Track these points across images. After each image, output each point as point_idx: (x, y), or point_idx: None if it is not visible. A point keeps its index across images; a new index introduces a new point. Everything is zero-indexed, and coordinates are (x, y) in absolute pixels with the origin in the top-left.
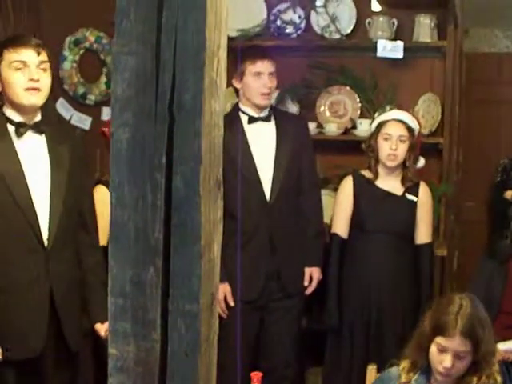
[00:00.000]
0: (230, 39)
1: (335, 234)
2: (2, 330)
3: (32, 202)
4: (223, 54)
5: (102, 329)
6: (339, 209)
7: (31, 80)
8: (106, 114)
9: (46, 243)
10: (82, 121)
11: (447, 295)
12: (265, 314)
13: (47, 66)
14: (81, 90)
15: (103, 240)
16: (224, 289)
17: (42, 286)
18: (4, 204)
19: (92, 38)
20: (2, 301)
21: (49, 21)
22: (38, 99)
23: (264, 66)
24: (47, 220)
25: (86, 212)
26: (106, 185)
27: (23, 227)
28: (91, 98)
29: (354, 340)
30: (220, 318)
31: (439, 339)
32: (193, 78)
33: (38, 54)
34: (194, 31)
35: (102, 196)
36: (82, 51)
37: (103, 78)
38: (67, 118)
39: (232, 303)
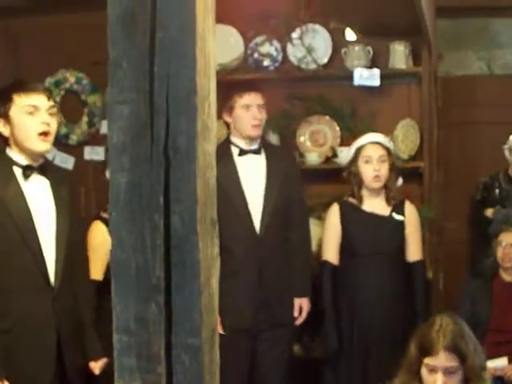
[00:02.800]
0: None
1: (326, 262)
2: (9, 370)
3: (39, 243)
4: (213, 97)
5: (96, 367)
6: (328, 237)
7: (43, 124)
8: (88, 153)
9: (52, 282)
10: (65, 161)
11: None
12: (256, 343)
13: (55, 110)
14: (63, 131)
15: (98, 275)
16: None
17: (49, 325)
18: (13, 245)
19: (72, 79)
20: (8, 341)
21: (28, 61)
22: (48, 145)
23: (251, 99)
24: (53, 260)
25: (79, 249)
26: (103, 221)
27: (31, 267)
28: (73, 138)
29: (351, 366)
30: None
31: (427, 360)
32: (186, 122)
33: (48, 98)
34: (185, 78)
35: (99, 232)
36: (62, 92)
37: (85, 118)
38: (50, 158)
39: (221, 331)
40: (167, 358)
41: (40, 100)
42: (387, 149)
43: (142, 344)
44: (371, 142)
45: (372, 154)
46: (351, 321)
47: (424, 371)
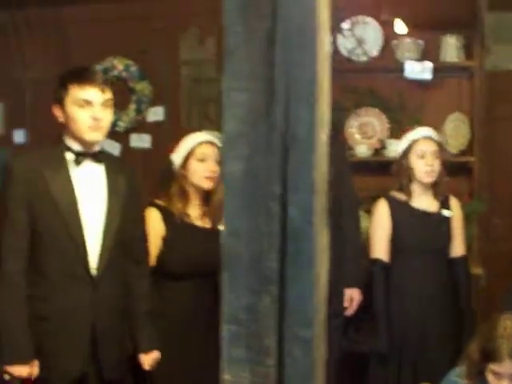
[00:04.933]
0: None
1: (377, 260)
2: (41, 356)
3: (82, 231)
4: (328, 86)
5: (146, 360)
6: (377, 234)
7: (94, 119)
8: (134, 140)
9: (93, 272)
10: (112, 147)
11: (490, 318)
12: None
13: (110, 103)
14: None
15: (151, 261)
16: None
17: (84, 315)
18: (56, 232)
19: (120, 66)
20: (44, 327)
21: (76, 50)
22: (99, 136)
23: None
24: (98, 250)
25: (137, 242)
26: (158, 207)
27: (73, 256)
28: (120, 125)
29: (400, 363)
30: None
31: (492, 366)
32: (306, 111)
33: (103, 91)
34: (306, 66)
35: (151, 219)
36: (110, 79)
37: (132, 106)
38: None
39: None
40: (278, 351)
41: (93, 94)
42: (439, 144)
43: (253, 336)
44: (425, 137)
45: (426, 149)
46: (402, 320)
47: (490, 376)
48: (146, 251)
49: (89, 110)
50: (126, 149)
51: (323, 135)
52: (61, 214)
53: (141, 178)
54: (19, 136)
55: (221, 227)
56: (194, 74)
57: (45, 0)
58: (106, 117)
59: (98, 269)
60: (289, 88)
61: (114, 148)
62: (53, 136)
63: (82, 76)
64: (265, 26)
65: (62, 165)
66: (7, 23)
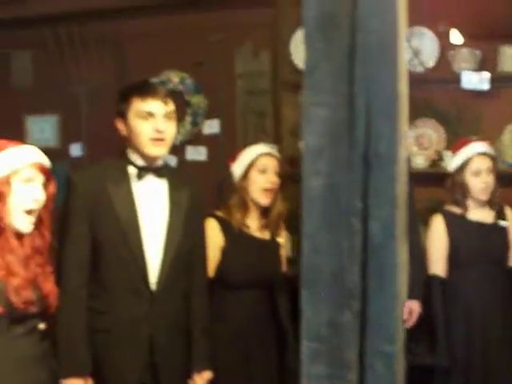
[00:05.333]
0: None
1: (434, 276)
2: (99, 365)
3: (142, 246)
4: (406, 102)
5: (198, 380)
6: (435, 249)
7: (157, 131)
8: (190, 153)
9: (153, 286)
10: (168, 160)
11: None
12: None
13: (173, 115)
14: None
15: (209, 271)
16: None
17: (142, 328)
18: (116, 245)
19: (176, 79)
20: (102, 339)
21: (132, 63)
22: (162, 150)
23: None
24: (159, 264)
25: (197, 257)
26: (217, 218)
27: (132, 270)
28: (177, 138)
29: (466, 376)
30: None
31: None
32: (387, 127)
33: (165, 103)
34: (387, 81)
35: (210, 229)
36: None
37: (188, 118)
38: None
39: None
40: (359, 365)
41: (155, 106)
42: (494, 158)
43: (334, 350)
44: (479, 153)
45: (481, 167)
46: (463, 333)
47: None
48: (205, 267)
49: (151, 123)
50: (182, 161)
51: (403, 150)
52: (122, 228)
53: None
54: (76, 149)
55: (279, 239)
56: (249, 86)
57: (101, 14)
58: (169, 129)
59: (158, 283)
60: (369, 103)
61: (170, 160)
62: (109, 149)
63: (144, 88)
64: (344, 42)
65: (125, 179)
66: (63, 37)
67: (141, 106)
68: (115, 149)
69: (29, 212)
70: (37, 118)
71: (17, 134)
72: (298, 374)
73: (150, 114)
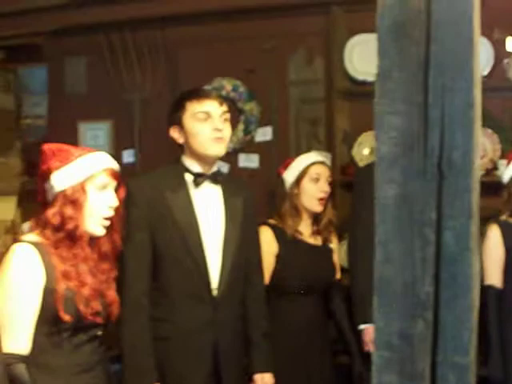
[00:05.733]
0: (368, 84)
1: (490, 286)
2: (162, 373)
3: (204, 253)
4: (481, 111)
5: (259, 380)
6: (491, 260)
7: (216, 130)
8: (242, 160)
9: (214, 293)
10: (220, 167)
11: None
12: None
13: (228, 116)
14: None
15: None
16: None
17: (206, 335)
18: (178, 253)
19: (229, 87)
20: (165, 347)
21: (185, 71)
22: (222, 149)
23: None
24: (218, 270)
25: (253, 265)
26: (270, 226)
27: (194, 277)
28: (229, 145)
29: None
30: None
31: None
32: (462, 137)
33: (221, 104)
34: (462, 90)
35: (264, 237)
36: None
37: (241, 126)
38: None
39: None
40: (431, 376)
41: (212, 106)
42: None
43: (406, 361)
44: None
45: None
46: None
47: None
48: (262, 273)
49: (209, 123)
50: (235, 169)
51: (477, 160)
52: (182, 235)
53: None
54: (128, 156)
55: (331, 245)
56: (302, 93)
57: (153, 22)
58: (227, 129)
59: (219, 289)
60: (444, 112)
61: (223, 168)
62: (161, 156)
63: (199, 92)
64: (418, 50)
65: (182, 186)
66: (117, 44)
67: (197, 107)
68: (167, 155)
69: (104, 218)
70: (90, 124)
71: (70, 141)
72: (363, 377)
73: (208, 115)
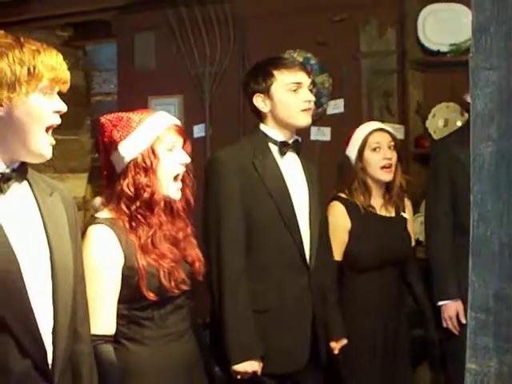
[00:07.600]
0: (442, 54)
1: None
2: (266, 344)
3: (298, 225)
4: None
5: (336, 347)
6: None
7: (306, 101)
8: (314, 133)
9: (308, 261)
10: None
11: None
12: None
13: (311, 87)
14: None
15: (337, 255)
16: (457, 306)
17: (305, 304)
18: (272, 223)
19: (300, 59)
20: (265, 321)
21: (255, 44)
22: (310, 119)
23: None
24: (308, 239)
25: (324, 232)
26: (342, 201)
27: (290, 246)
28: None
29: None
30: None
31: None
32: None
33: (308, 75)
34: None
35: (337, 213)
36: None
37: None
38: None
39: (464, 320)
40: None
41: (303, 77)
42: None
43: (502, 323)
44: None
45: None
46: None
47: None
48: (330, 242)
49: (300, 94)
50: (306, 141)
51: None
52: (276, 205)
53: (320, 171)
54: (199, 130)
55: (404, 214)
56: (374, 65)
57: None
58: (313, 99)
59: (310, 257)
60: None
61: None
62: (231, 129)
63: (288, 62)
64: None
65: (269, 155)
66: (185, 18)
67: (288, 78)
68: (238, 128)
69: (176, 177)
70: (160, 99)
71: None
72: (437, 347)
73: (299, 85)
